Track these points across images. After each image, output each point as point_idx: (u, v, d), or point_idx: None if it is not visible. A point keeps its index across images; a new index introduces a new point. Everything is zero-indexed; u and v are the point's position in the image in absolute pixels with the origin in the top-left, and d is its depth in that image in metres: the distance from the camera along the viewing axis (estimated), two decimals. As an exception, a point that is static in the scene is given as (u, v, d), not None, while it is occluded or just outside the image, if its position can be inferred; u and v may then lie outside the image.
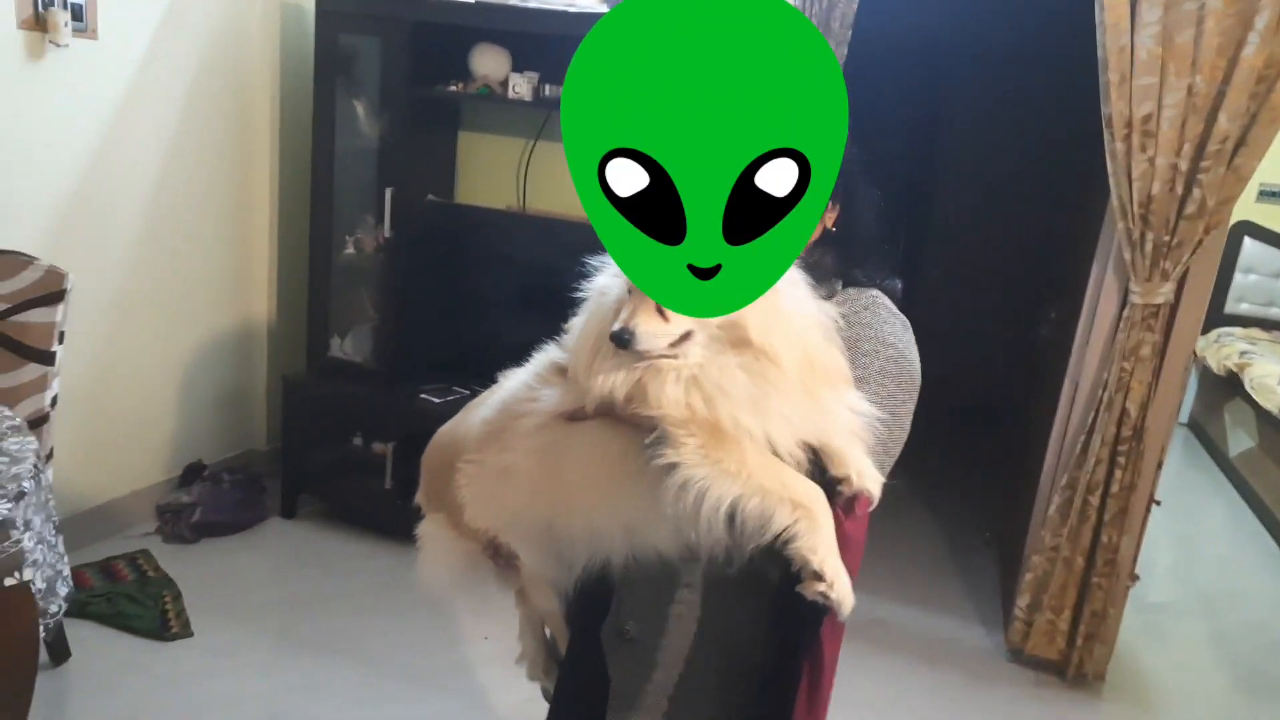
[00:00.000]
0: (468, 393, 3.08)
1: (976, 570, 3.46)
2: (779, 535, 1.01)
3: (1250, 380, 4.53)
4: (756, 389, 1.03)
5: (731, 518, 1.01)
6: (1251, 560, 3.91)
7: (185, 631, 2.47)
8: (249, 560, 2.95)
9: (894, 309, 1.33)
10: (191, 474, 3.11)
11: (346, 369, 3.20)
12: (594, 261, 1.18)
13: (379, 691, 2.38)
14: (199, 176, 3.03)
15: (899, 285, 1.37)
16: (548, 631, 1.43)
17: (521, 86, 2.88)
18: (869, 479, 1.08)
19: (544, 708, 1.38)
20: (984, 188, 5.36)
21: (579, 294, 1.19)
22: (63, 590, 1.44)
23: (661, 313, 1.05)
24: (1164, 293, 2.48)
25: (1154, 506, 2.69)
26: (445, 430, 1.34)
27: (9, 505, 1.30)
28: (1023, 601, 2.78)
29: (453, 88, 2.98)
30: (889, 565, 3.34)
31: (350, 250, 3.19)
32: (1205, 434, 5.42)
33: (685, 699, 1.21)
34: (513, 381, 1.25)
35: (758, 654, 1.21)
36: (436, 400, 3.01)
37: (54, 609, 1.45)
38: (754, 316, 1.05)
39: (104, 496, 2.89)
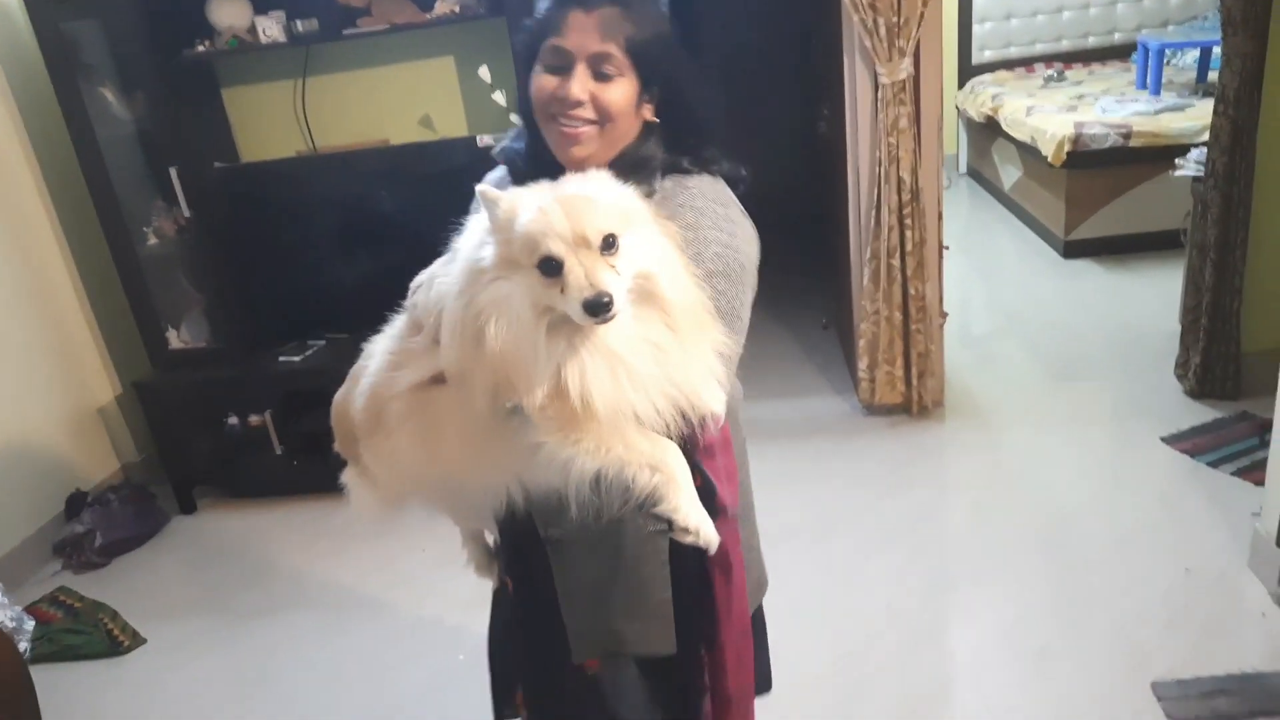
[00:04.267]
0: (323, 343, 3.16)
1: (822, 353, 3.89)
2: (642, 498, 1.05)
3: (1005, 119, 5.09)
4: (655, 363, 1.01)
5: (597, 483, 1.03)
6: (1039, 271, 4.54)
7: (137, 641, 2.55)
8: (167, 563, 3.00)
9: (715, 194, 1.22)
10: (76, 504, 3.08)
11: (193, 356, 3.18)
12: (463, 220, 1.11)
13: (344, 624, 2.56)
14: (-38, 212, 2.86)
15: (740, 171, 1.27)
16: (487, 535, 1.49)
17: (272, 29, 2.83)
18: (712, 401, 1.07)
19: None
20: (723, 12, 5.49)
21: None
22: (28, 626, 1.53)
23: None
24: (905, 68, 2.81)
25: (945, 253, 3.12)
26: (338, 398, 1.33)
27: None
28: (863, 364, 3.20)
29: (201, 48, 2.89)
30: (750, 369, 3.71)
31: (153, 240, 3.11)
32: (982, 177, 6.06)
33: (627, 588, 1.27)
34: (374, 362, 1.22)
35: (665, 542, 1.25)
36: (297, 359, 3.06)
37: (24, 646, 1.54)
38: (663, 271, 1.02)
39: (-4, 553, 2.86)
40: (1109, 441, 3.01)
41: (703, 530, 1.09)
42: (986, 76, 5.93)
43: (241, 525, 3.14)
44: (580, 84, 1.15)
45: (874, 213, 2.99)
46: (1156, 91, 4.73)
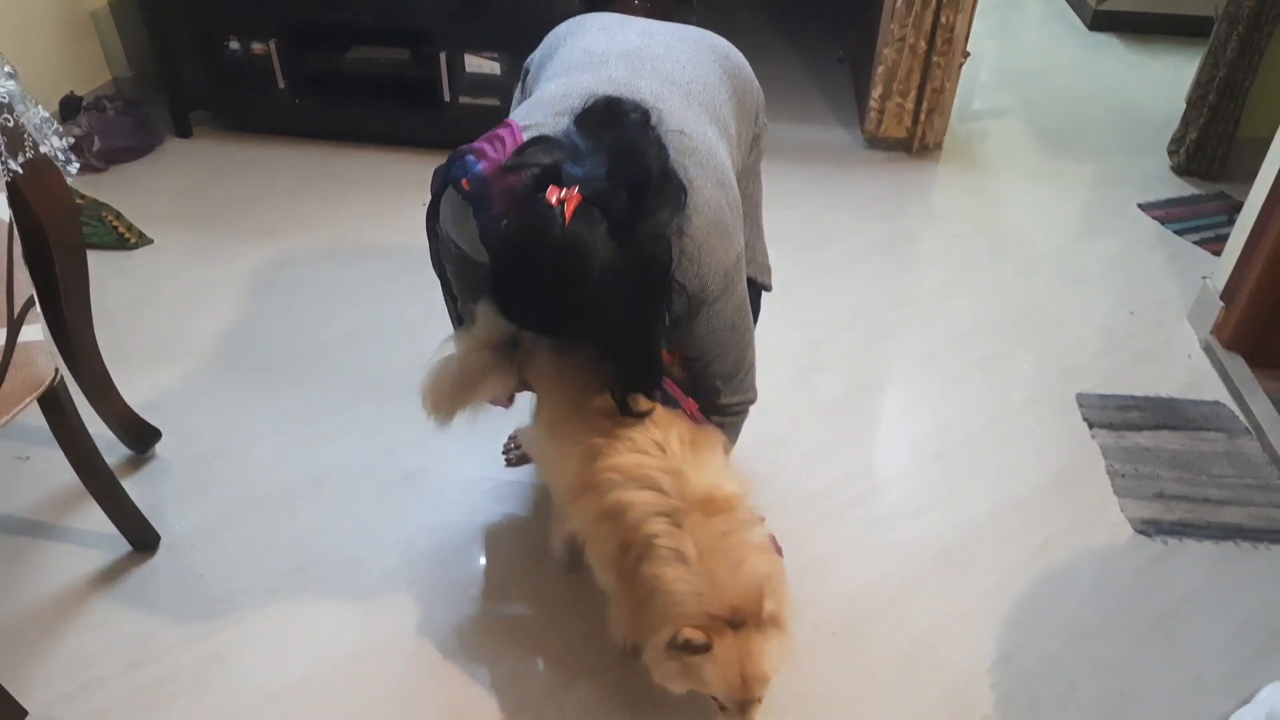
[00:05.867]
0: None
1: (833, 86, 3.86)
2: None
3: None
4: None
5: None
6: (1060, 39, 4.45)
7: (144, 240, 2.65)
8: (167, 177, 3.04)
9: (692, 257, 1.28)
10: (70, 107, 3.04)
11: (195, -30, 3.02)
12: None
13: (341, 257, 2.68)
14: None
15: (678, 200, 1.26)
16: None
17: None
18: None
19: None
20: None
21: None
22: (73, 169, 1.59)
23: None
24: None
25: (983, -15, 3.04)
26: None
27: (10, 82, 1.41)
28: (876, 93, 3.21)
29: None
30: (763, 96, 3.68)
31: None
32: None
33: None
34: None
35: None
36: (306, -14, 2.94)
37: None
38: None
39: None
40: (1088, 200, 3.15)
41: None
42: None
43: (240, 155, 3.16)
44: None
45: (924, -74, 2.87)
46: None
